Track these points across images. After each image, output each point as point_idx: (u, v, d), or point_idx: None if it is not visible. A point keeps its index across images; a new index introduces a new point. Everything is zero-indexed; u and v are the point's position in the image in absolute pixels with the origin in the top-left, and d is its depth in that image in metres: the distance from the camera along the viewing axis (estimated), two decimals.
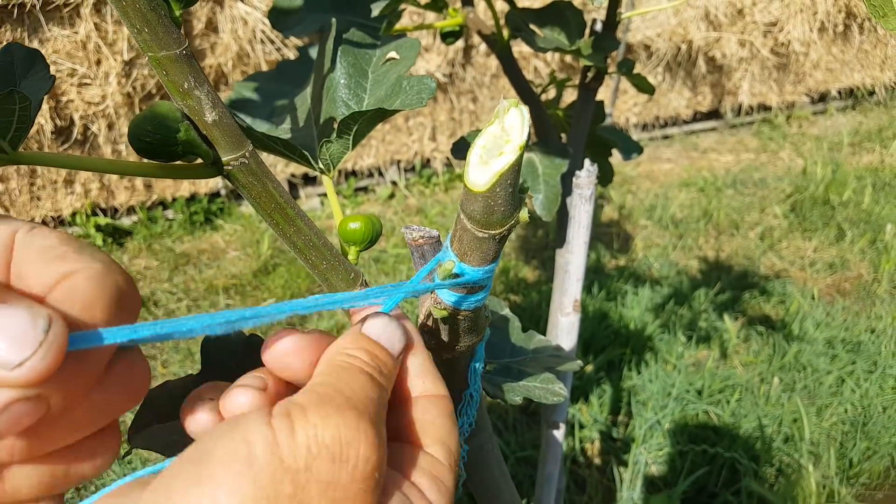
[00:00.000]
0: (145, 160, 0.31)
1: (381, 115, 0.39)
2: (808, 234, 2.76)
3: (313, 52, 0.59)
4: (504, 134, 0.23)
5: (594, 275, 2.40)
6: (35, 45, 2.33)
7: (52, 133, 2.47)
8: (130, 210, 2.83)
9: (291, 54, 2.67)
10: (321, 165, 0.42)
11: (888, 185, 3.13)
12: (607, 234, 2.79)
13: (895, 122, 3.99)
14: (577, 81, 0.84)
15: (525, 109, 0.23)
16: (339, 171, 3.13)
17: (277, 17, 0.66)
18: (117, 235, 2.74)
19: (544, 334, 0.95)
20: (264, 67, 2.65)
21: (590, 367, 1.91)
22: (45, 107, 2.40)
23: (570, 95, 2.78)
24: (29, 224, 0.22)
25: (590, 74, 0.81)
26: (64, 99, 2.45)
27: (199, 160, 0.31)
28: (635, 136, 3.72)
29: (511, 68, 0.81)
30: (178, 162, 0.32)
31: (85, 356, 0.20)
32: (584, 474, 1.62)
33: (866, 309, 2.25)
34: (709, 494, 1.55)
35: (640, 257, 2.59)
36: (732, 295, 2.29)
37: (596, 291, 2.25)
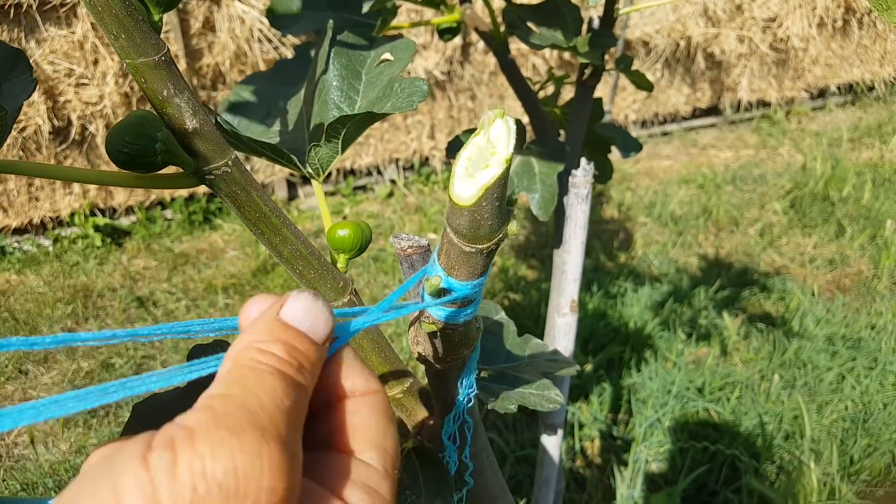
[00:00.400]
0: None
1: (371, 118, 0.39)
2: (807, 231, 2.75)
3: (311, 51, 0.58)
4: (490, 146, 0.22)
5: (593, 273, 2.40)
6: (32, 45, 2.32)
7: (50, 133, 2.47)
8: (129, 210, 2.82)
9: (289, 53, 2.65)
10: (310, 170, 0.41)
11: (888, 180, 3.12)
12: (606, 232, 2.78)
13: (895, 118, 3.98)
14: (575, 79, 0.83)
15: (511, 120, 0.22)
16: (338, 171, 3.12)
17: (275, 16, 0.65)
18: (116, 235, 2.73)
19: (543, 334, 0.95)
20: (262, 66, 2.64)
21: (589, 366, 1.91)
22: (42, 107, 2.39)
23: (568, 92, 2.77)
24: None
25: (587, 71, 0.80)
26: (61, 99, 2.44)
27: (180, 169, 0.31)
28: (634, 132, 3.71)
29: (508, 66, 0.80)
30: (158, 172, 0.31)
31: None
32: (584, 473, 1.61)
33: (866, 305, 2.24)
34: (709, 492, 1.55)
35: (640, 255, 2.59)
36: (732, 292, 2.28)
37: (595, 289, 2.24)
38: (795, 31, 3.61)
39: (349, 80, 0.46)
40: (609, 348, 1.97)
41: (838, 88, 4.22)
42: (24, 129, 2.41)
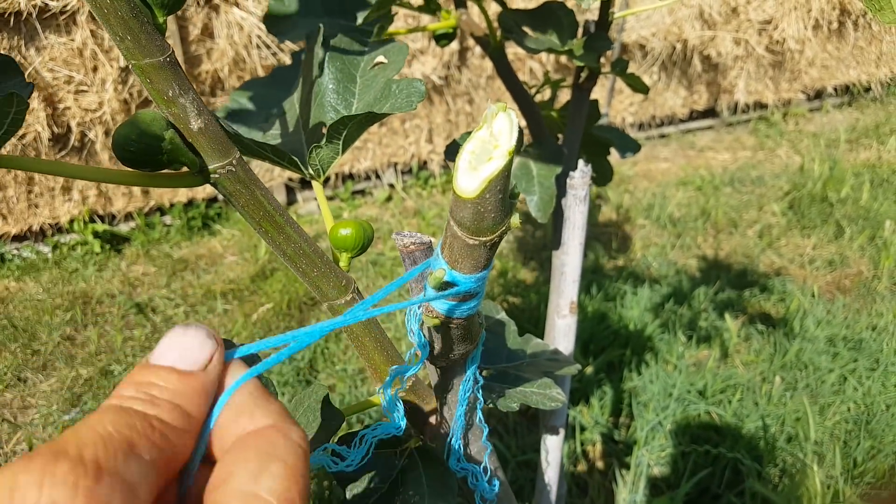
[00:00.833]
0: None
1: (371, 119, 0.39)
2: (806, 232, 2.75)
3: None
4: (493, 139, 0.22)
5: (593, 275, 2.40)
6: (32, 52, 2.33)
7: (50, 140, 2.47)
8: (128, 216, 2.82)
9: (287, 59, 2.66)
10: (311, 171, 0.41)
11: (886, 181, 3.13)
12: (605, 234, 2.78)
13: (891, 119, 3.99)
14: (571, 82, 0.84)
15: (513, 114, 0.22)
16: (337, 175, 3.13)
17: (272, 23, 0.66)
18: (115, 242, 2.73)
19: (543, 336, 0.95)
20: (260, 72, 2.65)
21: (590, 369, 1.91)
22: (41, 114, 2.40)
23: (565, 96, 2.78)
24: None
25: (583, 75, 0.80)
26: (61, 106, 2.44)
27: (186, 169, 0.31)
28: (632, 135, 3.72)
29: (504, 70, 0.80)
30: (164, 171, 0.31)
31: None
32: (585, 477, 1.61)
33: (867, 306, 2.24)
34: (712, 496, 1.54)
35: (639, 257, 2.59)
36: (732, 294, 2.29)
37: (595, 292, 2.24)
38: (791, 33, 3.63)
39: (344, 84, 0.46)
40: (609, 351, 1.97)
41: (835, 90, 4.23)
42: (23, 135, 2.42)
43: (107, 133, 2.56)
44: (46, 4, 2.25)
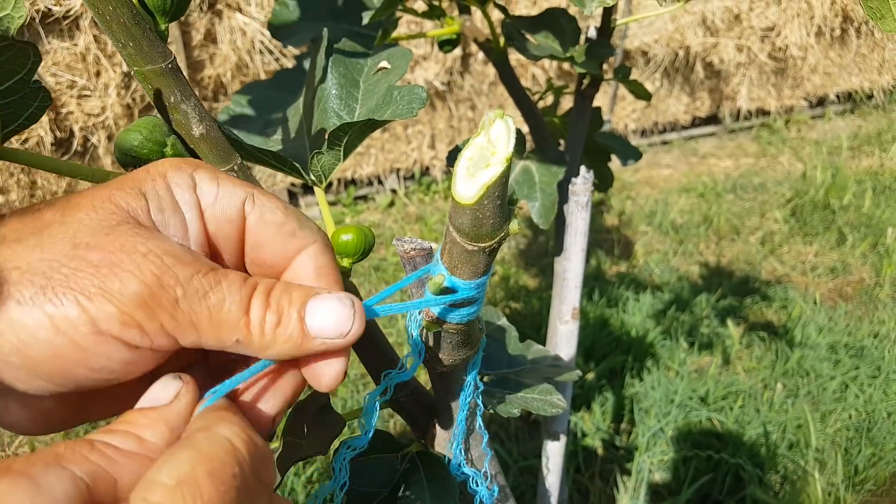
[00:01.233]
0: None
1: (372, 125, 0.39)
2: (808, 239, 2.75)
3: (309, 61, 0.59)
4: (490, 145, 0.22)
5: (595, 281, 2.40)
6: None
7: (52, 144, 2.48)
8: None
9: (290, 64, 2.67)
10: (312, 177, 0.41)
11: (888, 188, 3.13)
12: (607, 241, 2.78)
13: (894, 126, 3.99)
14: (573, 89, 0.84)
15: (511, 120, 0.22)
16: (339, 180, 3.13)
17: (276, 28, 0.66)
18: None
19: (545, 342, 0.95)
20: (263, 77, 2.66)
21: (591, 375, 1.90)
22: (44, 119, 2.41)
23: (568, 102, 2.78)
24: (246, 191, 0.26)
25: (585, 81, 0.80)
26: (64, 111, 2.45)
27: None
28: (634, 141, 3.72)
29: (507, 76, 0.81)
30: None
31: None
32: (586, 483, 1.60)
33: (869, 313, 2.24)
34: (713, 502, 1.54)
35: (641, 263, 2.59)
36: (734, 300, 2.28)
37: (597, 298, 2.24)
38: (794, 39, 3.63)
39: (347, 89, 0.46)
40: (611, 357, 1.97)
41: (837, 97, 4.24)
42: (26, 140, 2.43)
43: (109, 138, 2.57)
44: (50, 9, 2.26)
